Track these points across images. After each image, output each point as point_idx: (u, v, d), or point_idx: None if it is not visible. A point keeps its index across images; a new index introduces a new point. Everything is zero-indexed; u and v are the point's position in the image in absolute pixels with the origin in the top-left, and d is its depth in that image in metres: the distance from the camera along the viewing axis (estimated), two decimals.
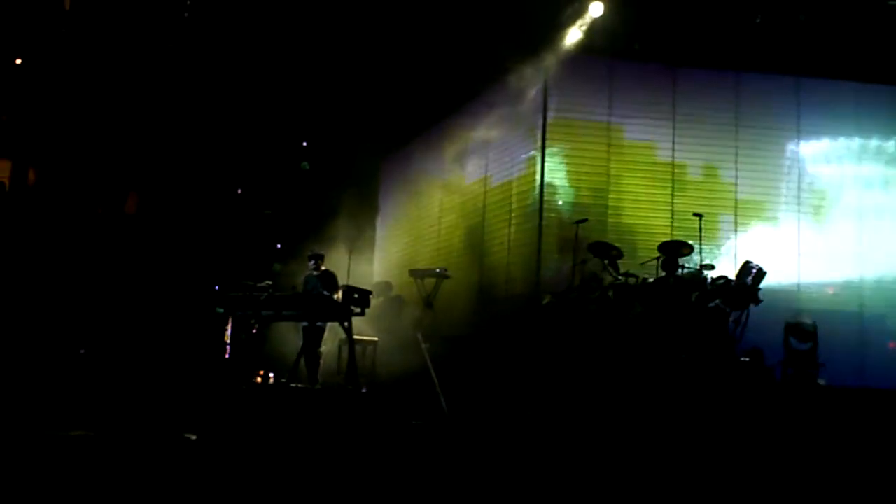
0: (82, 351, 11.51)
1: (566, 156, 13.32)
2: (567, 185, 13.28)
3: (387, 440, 9.30)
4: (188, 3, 13.59)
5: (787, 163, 13.67)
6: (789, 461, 9.30)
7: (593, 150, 13.36)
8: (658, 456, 9.16)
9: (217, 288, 10.84)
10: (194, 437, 9.03)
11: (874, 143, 13.92)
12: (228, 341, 10.52)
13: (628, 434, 9.53)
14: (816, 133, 13.76)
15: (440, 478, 8.29)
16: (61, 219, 12.95)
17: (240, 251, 12.30)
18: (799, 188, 13.60)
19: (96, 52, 13.35)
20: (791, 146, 13.69)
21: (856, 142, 13.86)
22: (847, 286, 13.43)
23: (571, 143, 13.33)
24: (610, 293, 11.49)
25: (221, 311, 10.51)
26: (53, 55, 13.20)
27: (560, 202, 13.13)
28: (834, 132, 13.81)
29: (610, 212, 13.14)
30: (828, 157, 13.80)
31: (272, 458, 8.45)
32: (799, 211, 13.55)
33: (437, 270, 12.54)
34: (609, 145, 13.36)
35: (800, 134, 13.72)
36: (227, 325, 10.51)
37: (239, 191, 13.43)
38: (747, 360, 11.10)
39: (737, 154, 13.53)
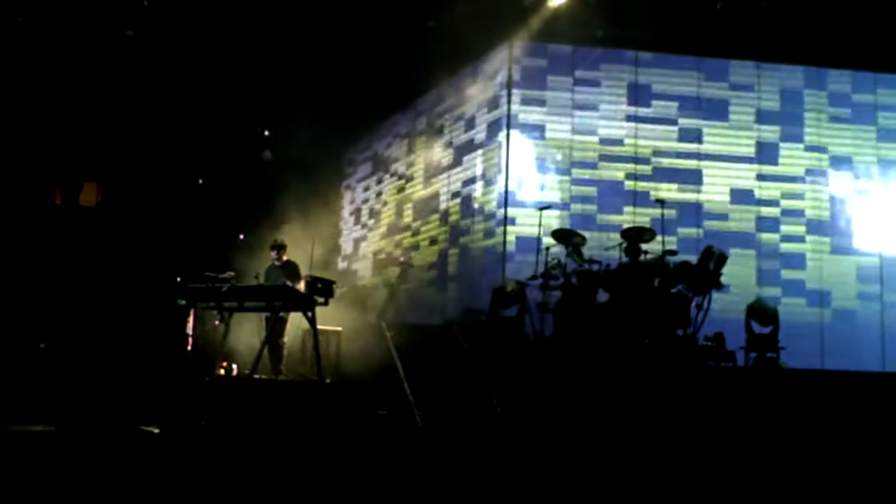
0: (42, 345, 11.38)
1: (530, 142, 13.34)
2: (531, 172, 13.30)
3: (351, 430, 9.28)
4: None
5: (750, 146, 13.77)
6: (752, 444, 9.40)
7: (558, 137, 13.40)
8: (620, 441, 9.21)
9: (178, 280, 10.73)
10: (157, 431, 8.97)
11: (836, 127, 14.07)
12: (190, 333, 10.43)
13: (591, 419, 9.57)
14: (777, 116, 13.88)
15: (406, 466, 8.30)
16: (16, 210, 12.78)
17: (201, 242, 12.19)
18: (760, 172, 13.73)
19: (52, 40, 13.15)
20: (753, 130, 13.80)
21: (816, 125, 13.99)
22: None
23: (536, 130, 13.36)
24: (574, 279, 11.51)
25: (183, 302, 10.40)
26: (6, 43, 12.99)
27: (524, 188, 13.16)
28: (794, 117, 13.93)
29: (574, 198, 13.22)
30: (789, 141, 13.92)
31: (236, 450, 8.41)
32: (759, 196, 13.68)
33: (401, 259, 12.53)
34: (573, 132, 13.40)
35: (760, 117, 13.82)
36: (188, 316, 10.42)
37: (200, 181, 13.32)
38: (710, 343, 11.18)
39: (701, 138, 13.63)
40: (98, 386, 10.05)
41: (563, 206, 13.14)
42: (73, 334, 11.53)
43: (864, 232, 13.88)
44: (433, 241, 14.65)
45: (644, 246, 11.61)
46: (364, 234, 16.49)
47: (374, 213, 16.38)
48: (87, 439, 8.42)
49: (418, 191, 15.28)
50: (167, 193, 13.19)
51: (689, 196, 13.44)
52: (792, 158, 13.85)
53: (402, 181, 15.67)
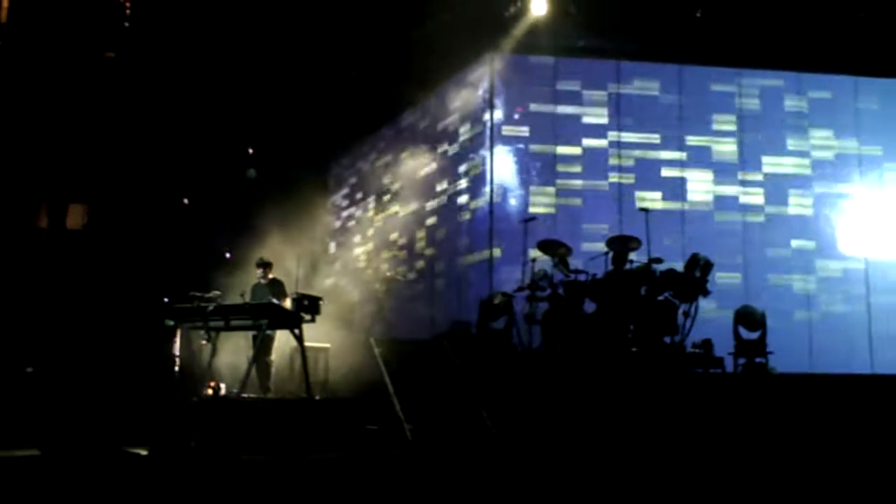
0: (29, 369, 11.33)
1: (514, 154, 13.37)
2: (516, 184, 13.33)
3: (341, 446, 9.25)
4: (128, 12, 13.42)
5: (731, 153, 13.84)
6: (743, 449, 9.41)
7: (542, 148, 13.44)
8: (611, 450, 9.21)
9: (165, 300, 10.71)
10: (145, 453, 8.93)
11: (818, 133, 14.15)
12: (177, 354, 10.40)
13: (580, 429, 9.56)
14: (757, 124, 13.94)
15: (396, 481, 8.28)
16: (2, 234, 12.75)
17: (187, 262, 12.17)
18: (743, 178, 13.79)
19: (36, 64, 13.15)
20: (733, 136, 13.86)
21: (800, 132, 14.07)
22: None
23: (520, 142, 13.39)
24: (560, 290, 11.52)
25: (170, 323, 10.37)
26: None
27: (509, 200, 13.18)
28: (776, 123, 14.00)
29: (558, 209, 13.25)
30: (772, 147, 13.99)
31: (225, 470, 8.37)
32: (743, 202, 13.74)
33: (388, 274, 12.53)
34: (556, 142, 13.44)
35: (742, 124, 13.89)
36: (175, 337, 10.40)
37: (185, 201, 13.31)
38: (698, 350, 11.19)
39: (683, 146, 13.68)
40: (85, 409, 10.00)
41: (548, 217, 13.15)
42: (60, 358, 11.48)
43: (848, 236, 13.95)
44: (419, 256, 14.64)
45: (630, 255, 11.62)
46: (350, 249, 16.48)
47: (359, 229, 16.36)
48: (74, 463, 8.37)
49: (403, 205, 15.27)
50: (153, 214, 13.17)
51: (674, 204, 13.47)
52: (775, 165, 13.91)
53: (388, 196, 15.67)
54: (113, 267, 12.57)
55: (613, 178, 13.47)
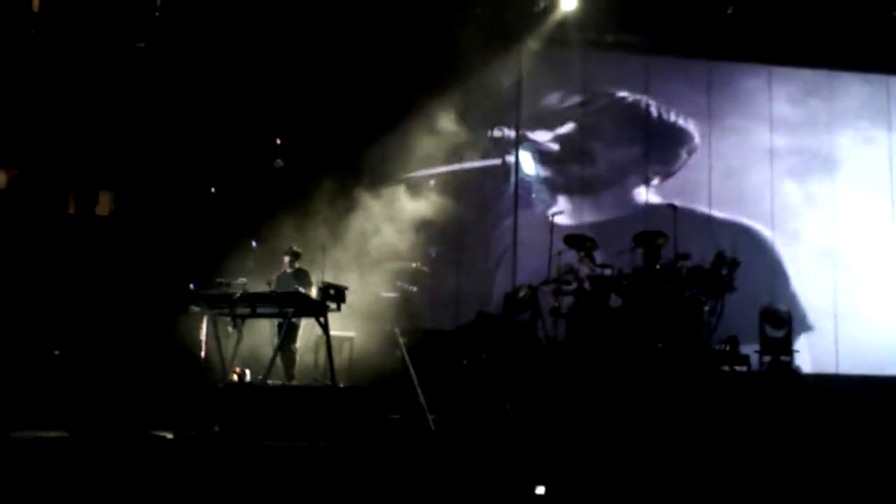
0: (56, 352, 11.41)
1: (542, 148, 13.35)
2: (543, 177, 13.31)
3: (364, 434, 9.28)
4: (159, 2, 13.49)
5: (760, 150, 13.75)
6: (769, 447, 9.36)
7: (569, 142, 13.41)
8: (635, 445, 9.18)
9: (192, 286, 10.76)
10: (170, 436, 8.99)
11: (845, 129, 14.05)
12: (204, 339, 10.45)
13: (605, 424, 9.54)
14: (787, 121, 13.85)
15: (419, 470, 8.30)
16: (33, 220, 12.85)
17: (214, 249, 12.23)
18: (772, 177, 13.71)
19: (66, 52, 13.25)
20: (763, 134, 13.78)
21: (826, 129, 13.97)
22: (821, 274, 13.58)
23: (547, 135, 13.36)
24: (586, 285, 11.49)
25: (196, 309, 10.43)
26: (22, 56, 13.09)
27: (534, 195, 13.16)
28: (805, 120, 13.91)
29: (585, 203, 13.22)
30: (799, 144, 13.90)
31: (249, 455, 8.42)
32: (772, 200, 13.65)
33: (414, 265, 12.51)
34: (583, 136, 13.41)
35: (772, 122, 13.80)
36: (202, 323, 10.45)
37: (213, 189, 13.36)
38: (723, 347, 11.14)
39: (710, 142, 13.61)
40: (112, 392, 10.08)
41: (575, 210, 13.11)
42: (87, 341, 11.57)
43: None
44: (445, 246, 14.62)
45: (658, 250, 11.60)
46: (377, 238, 16.42)
47: (387, 219, 16.32)
48: (102, 445, 8.44)
49: (430, 196, 15.25)
50: (180, 202, 13.23)
51: (700, 201, 13.40)
52: (804, 162, 13.83)
53: (414, 186, 15.65)
54: (140, 253, 12.63)
55: (640, 173, 13.41)
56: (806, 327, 11.92)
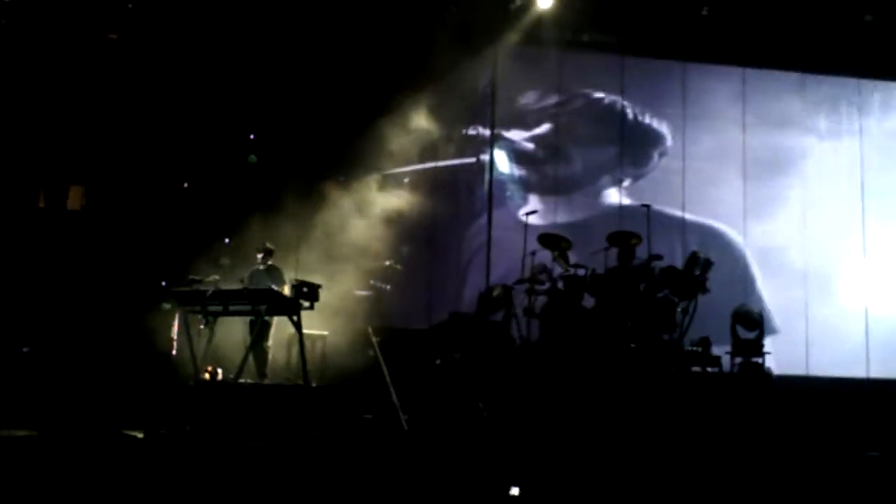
0: (25, 349, 11.29)
1: (516, 147, 13.35)
2: (517, 176, 13.31)
3: (337, 434, 9.25)
4: None
5: (732, 152, 13.83)
6: (739, 448, 9.43)
7: (543, 141, 13.41)
8: (606, 445, 9.21)
9: (163, 283, 10.67)
10: (141, 435, 8.91)
11: (816, 131, 14.15)
12: (175, 337, 10.38)
13: (579, 425, 9.57)
14: (761, 122, 13.94)
15: (391, 470, 8.27)
16: (2, 214, 12.70)
17: (186, 245, 12.14)
18: (745, 178, 13.79)
19: (36, 43, 13.09)
20: (736, 135, 13.85)
21: (798, 131, 14.08)
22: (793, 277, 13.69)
23: (522, 134, 13.36)
24: (559, 284, 11.50)
25: (168, 306, 10.35)
26: None
27: (509, 194, 13.16)
28: (778, 122, 14.00)
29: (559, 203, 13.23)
30: (773, 146, 13.99)
31: (221, 454, 8.36)
32: (744, 202, 13.74)
33: (387, 263, 12.49)
34: (559, 135, 13.42)
35: (745, 123, 13.88)
36: (173, 321, 10.37)
37: (185, 184, 13.26)
38: (696, 349, 11.19)
39: (683, 143, 13.67)
40: (82, 390, 9.99)
41: (549, 210, 13.13)
42: (57, 338, 11.45)
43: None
44: (418, 245, 14.59)
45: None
46: (350, 236, 16.38)
47: (358, 216, 16.26)
48: (71, 444, 8.35)
49: (402, 193, 15.22)
50: (152, 197, 13.13)
51: (674, 202, 13.46)
52: (775, 163, 13.92)
53: (387, 183, 15.61)
54: (112, 249, 12.52)
55: (614, 171, 13.45)
56: (772, 330, 11.98)
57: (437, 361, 10.71)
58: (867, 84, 14.34)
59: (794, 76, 14.10)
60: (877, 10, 13.11)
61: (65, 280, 12.23)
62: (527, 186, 13.31)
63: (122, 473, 7.59)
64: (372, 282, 12.95)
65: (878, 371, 12.99)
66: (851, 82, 14.28)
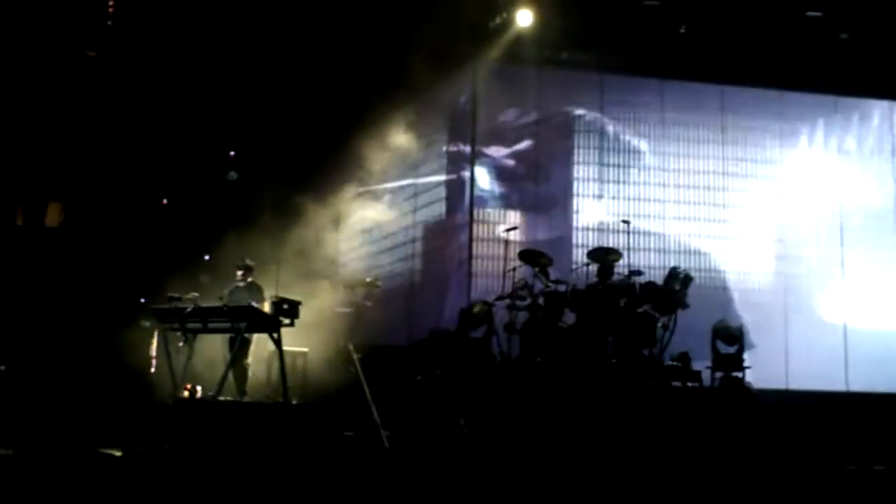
0: (2, 367, 11.18)
1: (496, 164, 13.37)
2: (497, 192, 13.33)
3: (318, 451, 9.19)
4: (111, 10, 13.33)
5: (712, 166, 13.91)
6: (719, 462, 9.44)
7: (524, 158, 13.44)
8: (587, 461, 9.21)
9: (142, 301, 10.60)
10: (119, 454, 8.83)
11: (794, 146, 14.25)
12: (154, 355, 10.30)
13: (557, 439, 9.56)
14: (740, 138, 14.02)
15: (372, 488, 8.23)
16: None
17: (166, 263, 12.08)
18: (724, 191, 13.87)
19: (14, 59, 13.03)
20: (715, 151, 13.93)
21: (777, 146, 14.17)
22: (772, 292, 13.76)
23: (502, 150, 13.38)
24: (540, 300, 11.51)
25: (147, 324, 10.27)
26: None
27: (490, 210, 13.17)
28: (757, 138, 14.09)
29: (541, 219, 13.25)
30: (751, 162, 14.07)
31: (200, 473, 8.29)
32: (724, 216, 13.81)
33: (368, 280, 12.43)
34: (539, 153, 13.45)
35: (724, 139, 13.96)
36: (152, 338, 10.29)
37: (164, 201, 13.21)
38: (676, 363, 11.23)
39: (664, 163, 13.73)
40: (60, 408, 9.89)
41: (530, 226, 13.15)
42: (34, 356, 11.35)
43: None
44: (399, 262, 14.60)
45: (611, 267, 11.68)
46: (330, 252, 16.34)
47: (338, 233, 16.24)
48: (48, 463, 8.26)
49: (382, 210, 15.23)
50: (132, 214, 13.07)
51: (654, 218, 13.51)
52: (754, 178, 14.01)
53: (367, 201, 15.60)
54: (90, 266, 12.45)
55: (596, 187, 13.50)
56: (749, 345, 12.03)
57: (419, 378, 10.68)
58: (845, 101, 14.45)
59: (772, 93, 14.18)
60: (852, 28, 13.23)
61: (43, 297, 12.14)
62: (508, 203, 13.31)
63: (99, 492, 7.52)
64: (352, 298, 12.90)
65: (856, 385, 13.04)
66: (829, 100, 14.40)
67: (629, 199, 13.41)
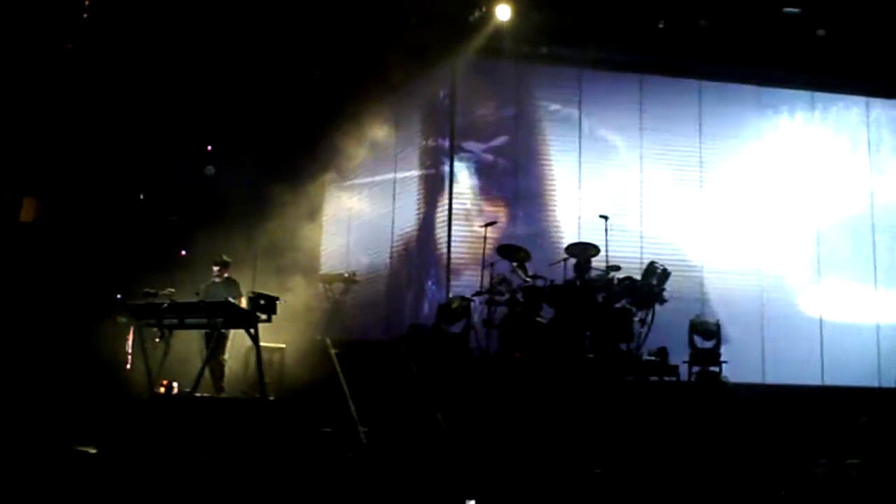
0: None
1: (475, 159, 13.37)
2: (476, 188, 13.32)
3: (295, 447, 9.18)
4: (86, 2, 13.22)
5: (690, 163, 13.94)
6: (695, 457, 9.49)
7: (502, 153, 13.43)
8: (564, 455, 9.23)
9: (118, 297, 10.54)
10: (94, 451, 8.78)
11: (773, 142, 14.32)
12: (130, 351, 10.26)
13: (535, 434, 9.58)
14: (717, 134, 14.06)
15: (349, 483, 8.23)
16: None
17: (142, 258, 12.02)
18: (701, 189, 13.91)
19: None
20: (693, 146, 13.96)
21: (754, 142, 14.24)
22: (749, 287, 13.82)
23: (481, 146, 13.38)
24: (519, 295, 11.53)
25: (123, 320, 10.23)
26: None
27: (468, 205, 13.16)
28: (734, 133, 14.14)
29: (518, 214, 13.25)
30: (729, 157, 14.12)
31: (177, 470, 8.26)
32: (701, 212, 13.86)
33: (346, 275, 12.45)
34: (518, 148, 13.44)
35: (702, 135, 14.00)
36: (128, 334, 10.25)
37: (141, 196, 13.14)
38: (653, 358, 11.28)
39: (641, 156, 13.76)
40: (35, 406, 9.82)
41: (508, 221, 13.15)
42: (8, 352, 11.26)
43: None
44: (377, 257, 14.57)
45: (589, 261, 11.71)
46: (307, 247, 16.28)
47: (316, 227, 16.17)
48: (23, 460, 8.20)
49: (361, 206, 15.21)
50: (108, 209, 12.99)
51: (631, 213, 13.53)
52: (731, 174, 14.06)
53: (345, 196, 15.58)
54: (66, 262, 12.35)
55: (574, 182, 13.50)
56: (725, 340, 12.09)
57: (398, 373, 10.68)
58: (821, 96, 14.51)
59: (749, 89, 14.23)
60: (829, 24, 13.29)
61: (17, 294, 12.04)
62: (486, 197, 13.30)
63: (74, 490, 7.48)
64: (330, 293, 12.87)
65: (831, 379, 13.14)
66: (805, 95, 14.47)
67: (607, 194, 13.40)
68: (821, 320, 13.85)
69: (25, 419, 9.45)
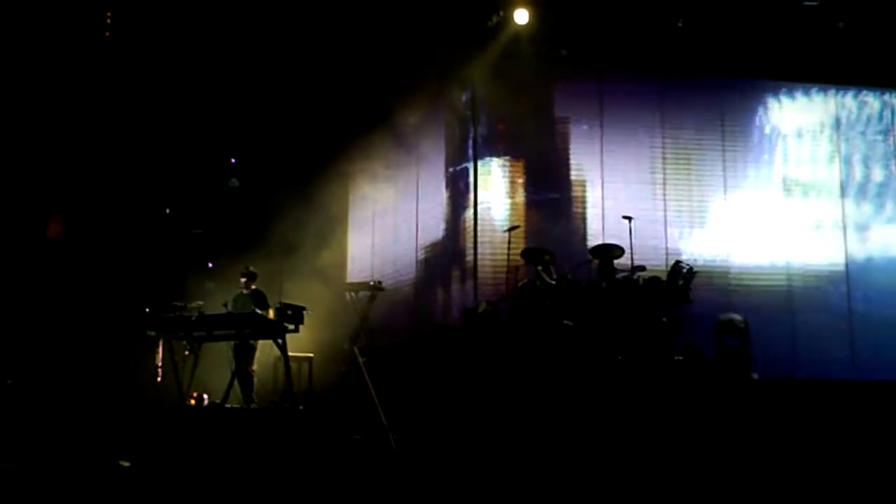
0: (9, 381, 11.22)
1: (498, 164, 13.37)
2: (500, 193, 13.32)
3: (326, 456, 9.22)
4: (109, 21, 13.37)
5: (714, 169, 13.87)
6: (727, 455, 9.45)
7: (524, 158, 13.43)
8: (603, 455, 9.22)
9: (147, 310, 10.64)
10: (128, 464, 8.86)
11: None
12: (160, 364, 10.36)
13: (571, 436, 9.57)
14: (738, 131, 13.99)
15: (382, 491, 8.26)
16: None
17: (170, 272, 12.12)
18: (724, 187, 13.85)
19: (14, 70, 13.07)
20: (716, 147, 13.89)
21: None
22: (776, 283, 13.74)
23: (503, 151, 13.38)
24: (545, 299, 11.51)
25: (153, 333, 10.32)
26: None
27: (493, 210, 13.17)
28: (755, 129, 14.07)
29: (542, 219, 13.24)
30: (751, 153, 14.06)
31: (210, 481, 8.32)
32: (727, 211, 13.80)
33: (371, 283, 12.46)
34: (539, 153, 13.44)
35: (724, 136, 13.93)
36: (158, 347, 10.35)
37: (167, 210, 13.25)
38: (681, 358, 11.23)
39: (664, 159, 13.71)
40: (67, 420, 9.93)
41: (532, 225, 13.13)
42: (41, 369, 11.39)
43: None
44: (404, 265, 14.59)
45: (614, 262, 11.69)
46: (334, 257, 16.34)
47: (346, 236, 16.24)
48: (55, 475, 8.30)
49: (388, 213, 15.24)
50: (135, 223, 13.11)
51: (656, 214, 13.48)
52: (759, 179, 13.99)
53: (371, 204, 15.62)
54: (94, 276, 12.48)
55: (597, 185, 13.48)
56: (753, 337, 12.00)
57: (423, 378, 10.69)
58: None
59: (770, 83, 14.15)
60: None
61: (47, 310, 12.17)
62: (511, 202, 13.29)
63: (107, 502, 7.55)
64: (357, 302, 12.90)
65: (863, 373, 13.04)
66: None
67: (630, 194, 13.37)
68: (850, 312, 13.73)
69: (59, 434, 9.56)
